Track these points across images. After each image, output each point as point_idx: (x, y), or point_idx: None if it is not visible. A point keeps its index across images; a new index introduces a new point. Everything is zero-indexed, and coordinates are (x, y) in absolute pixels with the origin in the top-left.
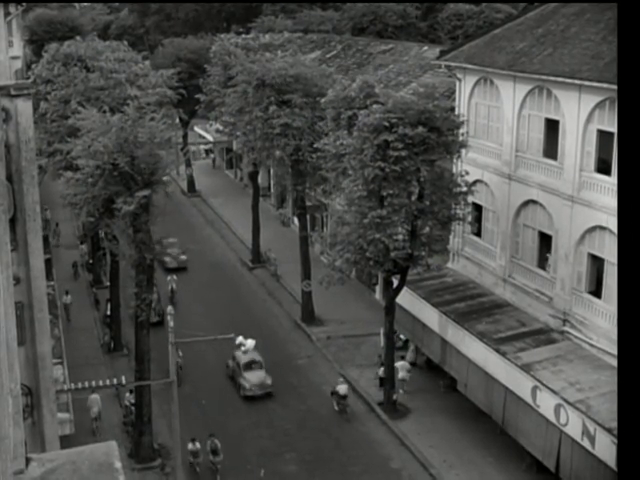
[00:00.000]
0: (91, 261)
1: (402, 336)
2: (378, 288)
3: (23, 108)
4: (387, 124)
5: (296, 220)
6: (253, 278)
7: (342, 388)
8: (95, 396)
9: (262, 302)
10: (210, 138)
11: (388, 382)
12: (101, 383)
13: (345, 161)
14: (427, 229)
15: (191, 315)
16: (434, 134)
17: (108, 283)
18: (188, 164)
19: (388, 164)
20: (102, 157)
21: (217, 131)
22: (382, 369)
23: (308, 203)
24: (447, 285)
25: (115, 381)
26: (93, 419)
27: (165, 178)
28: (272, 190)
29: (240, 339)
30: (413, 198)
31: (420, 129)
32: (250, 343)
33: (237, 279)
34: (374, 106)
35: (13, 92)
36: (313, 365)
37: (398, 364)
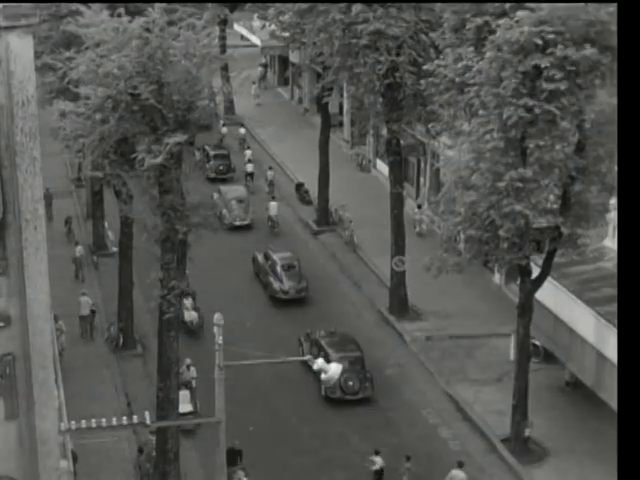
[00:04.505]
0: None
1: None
2: (497, 268)
3: (19, 48)
4: (539, 42)
5: (379, 163)
6: (319, 247)
7: (273, 208)
8: (86, 299)
9: (332, 283)
10: (257, 41)
11: (518, 410)
12: (114, 422)
13: (472, 94)
14: (587, 196)
15: (237, 305)
16: (607, 57)
17: (115, 249)
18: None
19: (539, 101)
20: (116, 83)
21: (272, 35)
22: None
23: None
24: (606, 273)
25: (135, 418)
26: (89, 323)
27: (224, 130)
28: (345, 118)
29: (320, 363)
30: (567, 150)
31: (588, 50)
32: (335, 369)
33: (297, 248)
34: (519, 12)
35: (2, 23)
36: (406, 377)
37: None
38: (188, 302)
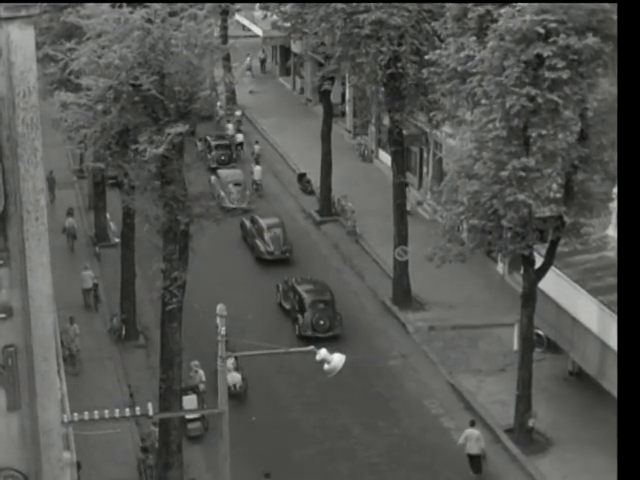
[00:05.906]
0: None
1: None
2: (500, 257)
3: (20, 39)
4: (542, 30)
5: (382, 153)
6: (322, 237)
7: (257, 172)
8: (89, 272)
9: (335, 273)
10: (258, 31)
11: (522, 400)
12: (117, 413)
13: (474, 83)
14: (590, 185)
15: (238, 293)
16: (609, 46)
17: (117, 240)
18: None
19: (541, 90)
20: (118, 74)
21: (273, 25)
22: None
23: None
24: (609, 262)
25: (138, 410)
26: (93, 296)
27: (220, 112)
28: (347, 108)
29: (323, 353)
30: (570, 139)
31: (591, 38)
32: (338, 360)
33: (299, 238)
34: (521, 2)
35: (3, 13)
36: (409, 368)
37: None
38: (230, 361)
